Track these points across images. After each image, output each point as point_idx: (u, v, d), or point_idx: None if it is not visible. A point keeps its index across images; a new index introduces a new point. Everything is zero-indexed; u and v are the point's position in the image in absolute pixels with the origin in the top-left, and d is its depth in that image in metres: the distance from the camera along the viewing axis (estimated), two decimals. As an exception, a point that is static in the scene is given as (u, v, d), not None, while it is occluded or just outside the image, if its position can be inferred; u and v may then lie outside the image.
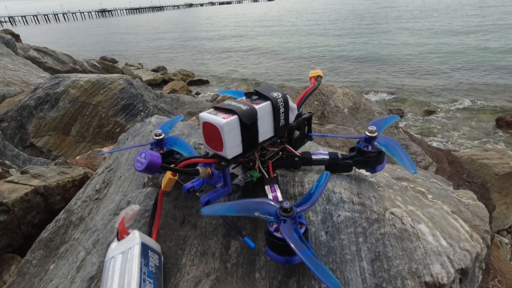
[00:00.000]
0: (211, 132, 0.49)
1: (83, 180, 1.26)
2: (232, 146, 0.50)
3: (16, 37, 8.48)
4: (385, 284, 0.40)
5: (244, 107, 0.50)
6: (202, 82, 9.36)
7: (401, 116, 6.10)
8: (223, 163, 0.50)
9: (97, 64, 7.18)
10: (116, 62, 11.80)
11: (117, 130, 3.02)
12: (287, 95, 0.56)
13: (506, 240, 2.82)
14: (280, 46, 13.18)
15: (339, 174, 0.63)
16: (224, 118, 0.48)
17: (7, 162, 1.92)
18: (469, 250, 0.42)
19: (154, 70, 10.77)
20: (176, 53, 14.29)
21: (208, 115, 0.50)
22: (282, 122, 0.56)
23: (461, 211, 0.55)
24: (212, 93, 8.12)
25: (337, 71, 9.03)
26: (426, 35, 12.30)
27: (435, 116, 5.93)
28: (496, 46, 9.41)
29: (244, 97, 0.57)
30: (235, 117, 0.48)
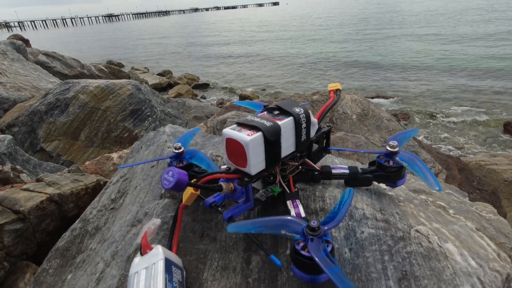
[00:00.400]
0: (235, 149, 0.50)
1: (95, 187, 1.27)
2: (256, 163, 0.50)
3: (26, 42, 8.63)
4: (414, 305, 0.40)
5: (268, 124, 0.50)
6: (207, 86, 9.42)
7: (406, 119, 6.06)
8: (246, 179, 0.51)
9: (104, 69, 7.26)
10: (123, 66, 11.92)
11: (125, 135, 3.05)
12: (309, 110, 0.57)
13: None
14: (284, 51, 13.21)
15: (358, 188, 0.63)
16: (248, 135, 0.48)
17: (18, 167, 1.95)
18: (499, 270, 0.42)
19: (160, 74, 10.86)
20: (182, 57, 14.41)
21: (232, 132, 0.50)
22: (303, 137, 0.56)
23: (485, 227, 0.55)
24: (216, 97, 8.17)
25: (343, 76, 9.03)
26: (432, 40, 12.25)
27: (441, 121, 5.88)
28: (504, 53, 9.33)
29: (265, 112, 0.57)
30: (259, 133, 0.49)
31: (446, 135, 5.42)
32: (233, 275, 0.54)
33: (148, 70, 11.63)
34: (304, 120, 0.55)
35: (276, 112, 0.56)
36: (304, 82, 8.77)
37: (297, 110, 0.55)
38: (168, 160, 0.67)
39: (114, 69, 8.70)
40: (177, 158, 0.66)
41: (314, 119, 0.59)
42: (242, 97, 7.70)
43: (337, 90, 0.69)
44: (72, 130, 2.92)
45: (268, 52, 13.25)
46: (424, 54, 10.27)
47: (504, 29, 12.25)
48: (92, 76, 6.54)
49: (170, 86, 9.30)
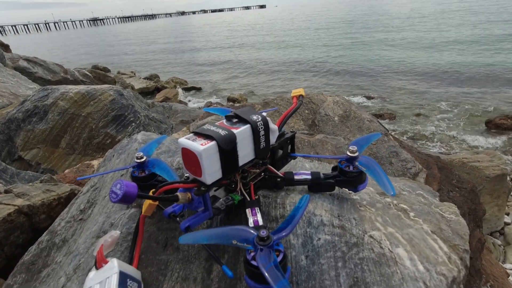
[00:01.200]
0: (190, 158, 0.49)
1: (69, 197, 1.24)
2: (211, 172, 0.49)
3: (6, 47, 8.39)
4: (363, 312, 0.40)
5: (222, 132, 0.50)
6: (196, 90, 9.37)
7: (393, 119, 6.17)
8: (203, 189, 0.50)
9: (89, 73, 7.13)
10: (109, 71, 11.75)
11: (108, 142, 2.99)
12: (267, 118, 0.57)
13: (499, 242, 2.85)
14: (270, 56, 13.27)
15: (322, 193, 0.63)
16: (202, 144, 0.48)
17: (-7, 177, 1.88)
18: (446, 274, 0.42)
19: (147, 78, 10.76)
20: (169, 61, 14.30)
21: (186, 141, 0.50)
22: (262, 144, 0.56)
23: (442, 229, 0.56)
24: (204, 100, 8.13)
25: (328, 77, 9.13)
26: (418, 41, 12.53)
27: (426, 120, 6.02)
28: (488, 56, 9.61)
29: (224, 120, 0.57)
30: (213, 143, 0.48)
31: (430, 134, 5.55)
32: (193, 286, 0.53)
33: (134, 74, 11.50)
34: (262, 128, 0.55)
35: (235, 120, 0.56)
36: (290, 85, 8.82)
37: (254, 117, 0.55)
38: (131, 169, 0.66)
39: (99, 74, 8.57)
40: (139, 167, 0.65)
41: (273, 126, 0.59)
42: (230, 100, 7.70)
43: (300, 95, 0.70)
44: (52, 137, 2.85)
45: (256, 56, 13.29)
46: (410, 57, 10.49)
47: (490, 33, 12.61)
48: (75, 81, 6.42)
49: (157, 90, 9.23)
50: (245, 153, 0.54)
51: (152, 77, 10.90)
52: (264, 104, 2.48)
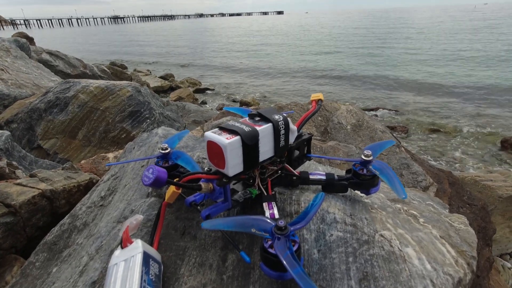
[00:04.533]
0: (215, 151, 0.53)
1: (88, 185, 1.29)
2: (234, 165, 0.53)
3: (30, 40, 8.70)
4: (371, 304, 0.43)
5: (246, 129, 0.54)
6: (209, 91, 9.49)
7: (405, 133, 6.11)
8: (225, 180, 0.54)
9: (107, 69, 7.32)
10: (126, 68, 12.02)
11: (122, 136, 3.08)
12: (288, 118, 0.60)
13: (509, 265, 2.79)
14: (285, 62, 13.34)
15: (335, 195, 0.66)
16: (227, 138, 0.52)
17: (14, 163, 1.97)
18: (452, 274, 0.44)
19: (162, 77, 10.95)
20: (185, 62, 14.52)
21: (212, 135, 0.53)
22: (282, 143, 0.60)
23: (450, 236, 0.57)
24: (218, 103, 8.22)
25: (341, 87, 9.11)
26: (433, 55, 12.40)
27: (439, 136, 5.92)
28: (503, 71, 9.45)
29: (247, 118, 0.61)
30: (237, 138, 0.52)
31: (443, 150, 5.46)
32: (208, 272, 0.57)
33: (150, 72, 11.72)
34: (282, 127, 0.58)
35: (257, 118, 0.59)
36: (305, 91, 8.84)
37: (276, 117, 0.58)
38: (155, 160, 0.70)
39: (116, 71, 8.78)
40: (163, 158, 0.69)
41: (293, 127, 0.62)
42: (243, 103, 7.76)
43: (319, 100, 0.73)
44: (70, 128, 2.95)
45: (272, 62, 13.37)
46: (427, 70, 10.39)
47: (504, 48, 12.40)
48: (94, 76, 6.60)
49: (171, 89, 9.38)
50: (266, 149, 0.58)
51: (167, 77, 11.09)
52: (278, 109, 2.52)
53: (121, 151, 2.43)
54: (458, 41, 15.05)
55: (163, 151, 0.68)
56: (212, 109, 7.71)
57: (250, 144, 0.53)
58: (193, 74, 11.60)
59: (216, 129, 0.56)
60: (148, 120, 3.24)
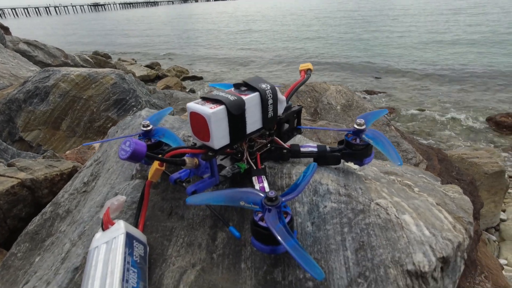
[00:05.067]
0: (199, 123, 0.49)
1: (71, 173, 1.24)
2: (219, 137, 0.49)
3: (5, 29, 8.28)
4: (369, 273, 0.41)
5: (232, 98, 0.50)
6: (197, 79, 9.31)
7: (392, 113, 6.17)
8: (210, 154, 0.50)
9: (90, 59, 7.07)
10: (109, 57, 11.64)
11: (108, 125, 2.98)
12: (276, 87, 0.56)
13: (494, 238, 2.88)
14: (272, 49, 13.15)
15: (327, 167, 0.63)
16: (211, 108, 0.48)
17: (-6, 156, 1.88)
18: (451, 239, 0.43)
19: (148, 66, 10.67)
20: (171, 50, 14.17)
21: (195, 105, 0.49)
22: (270, 113, 0.56)
23: (446, 203, 0.56)
24: (206, 91, 8.09)
25: (329, 71, 9.07)
26: (419, 37, 12.41)
27: (426, 116, 6.00)
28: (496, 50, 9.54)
29: (232, 88, 0.57)
30: (222, 107, 0.48)
31: (430, 129, 5.54)
32: (198, 251, 0.54)
33: (135, 61, 11.41)
34: (270, 96, 0.55)
35: (243, 88, 0.56)
36: (291, 76, 8.78)
37: (263, 86, 0.55)
38: (137, 137, 0.66)
39: (100, 60, 8.50)
40: (145, 136, 0.65)
41: (282, 96, 0.59)
42: (231, 90, 7.65)
43: (308, 69, 0.69)
44: (53, 119, 2.84)
45: (261, 48, 13.17)
46: (413, 53, 10.41)
47: (495, 30, 12.49)
48: (76, 66, 6.37)
49: (158, 78, 9.17)
50: (253, 120, 0.54)
51: (153, 65, 10.82)
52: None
53: (107, 140, 2.36)
54: (443, 22, 15.08)
55: (145, 128, 0.64)
56: (200, 96, 7.57)
57: (236, 114, 0.49)
58: (180, 63, 11.34)
59: (199, 99, 0.52)
60: (135, 108, 3.14)
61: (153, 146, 0.64)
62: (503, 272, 1.48)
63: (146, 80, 8.98)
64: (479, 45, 10.40)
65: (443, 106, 6.34)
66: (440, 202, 0.54)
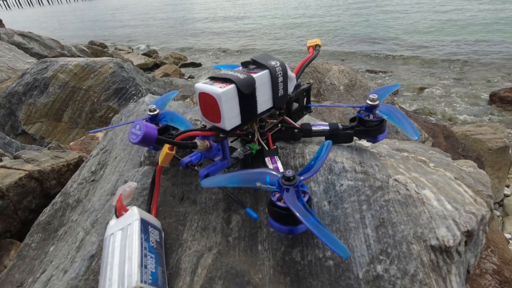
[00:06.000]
0: (208, 103, 0.47)
1: (78, 164, 1.23)
2: (230, 117, 0.48)
3: (-1, 22, 8.14)
4: (391, 250, 0.40)
5: (241, 76, 0.48)
6: (195, 65, 9.18)
7: (396, 94, 6.08)
8: (222, 135, 0.49)
9: (86, 49, 6.96)
10: (106, 47, 11.46)
11: (110, 115, 2.96)
12: (285, 64, 0.54)
13: (498, 213, 2.90)
14: (270, 24, 12.88)
15: (339, 145, 0.62)
16: (221, 87, 0.46)
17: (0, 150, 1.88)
18: (475, 212, 0.42)
19: (146, 54, 10.51)
20: (168, 37, 13.91)
21: (204, 85, 0.48)
22: (281, 92, 0.54)
23: (464, 177, 0.55)
24: (205, 77, 7.99)
25: (330, 50, 8.90)
26: (422, 17, 12.08)
27: (429, 94, 5.92)
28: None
29: (241, 67, 0.54)
30: (232, 86, 0.46)
31: (433, 107, 5.48)
32: (213, 235, 0.53)
33: (132, 50, 11.24)
34: (280, 74, 0.53)
35: (252, 66, 0.53)
36: (297, 53, 8.63)
37: (272, 63, 0.52)
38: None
39: (96, 50, 8.39)
40: (152, 120, 0.63)
41: (291, 74, 0.57)
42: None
43: (316, 45, 0.67)
44: (54, 111, 2.82)
45: (259, 27, 12.89)
46: (412, 26, 10.16)
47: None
48: (73, 57, 6.29)
49: (156, 66, 9.04)
50: (264, 100, 0.52)
51: (151, 53, 10.65)
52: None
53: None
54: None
55: (151, 113, 0.62)
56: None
57: (246, 93, 0.47)
58: (177, 50, 11.16)
59: (208, 79, 0.50)
60: (135, 97, 3.11)
61: (161, 131, 0.63)
62: (509, 246, 1.49)
63: (144, 68, 8.86)
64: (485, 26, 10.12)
65: (445, 84, 6.24)
66: (458, 177, 0.53)
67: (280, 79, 0.53)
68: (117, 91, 2.99)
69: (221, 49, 10.56)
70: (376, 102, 0.57)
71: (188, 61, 9.54)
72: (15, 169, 1.05)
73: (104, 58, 3.20)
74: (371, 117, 0.57)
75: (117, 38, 14.61)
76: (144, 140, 0.40)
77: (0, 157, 1.87)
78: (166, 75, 7.58)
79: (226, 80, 0.47)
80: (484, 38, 8.36)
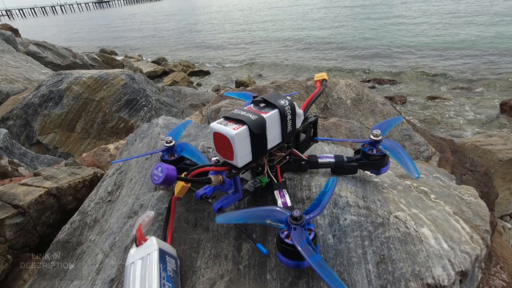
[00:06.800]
0: (222, 142, 0.51)
1: (93, 180, 1.29)
2: (243, 155, 0.52)
3: (15, 31, 8.41)
4: (390, 286, 0.43)
5: (253, 117, 0.52)
6: (204, 73, 9.31)
7: (404, 103, 6.06)
8: (234, 171, 0.53)
9: (97, 57, 7.15)
10: (116, 54, 11.74)
11: (121, 126, 3.05)
12: (294, 102, 0.58)
13: (509, 225, 2.86)
14: (279, 35, 13.01)
15: (344, 176, 0.65)
16: (234, 128, 0.50)
17: (15, 160, 1.96)
18: (469, 252, 0.44)
19: (155, 62, 10.71)
20: (176, 44, 14.16)
21: (219, 126, 0.52)
22: (289, 128, 0.58)
23: (463, 211, 0.57)
24: (213, 84, 8.10)
25: (337, 60, 8.93)
26: (428, 18, 12.06)
27: (438, 103, 5.86)
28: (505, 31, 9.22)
29: (252, 105, 0.59)
30: (245, 127, 0.50)
31: (442, 117, 5.42)
32: (224, 263, 0.57)
33: (142, 58, 11.46)
34: (289, 112, 0.57)
35: (262, 104, 0.58)
36: (301, 66, 8.69)
37: (282, 102, 0.57)
38: (160, 153, 0.69)
39: (107, 58, 8.57)
40: (169, 151, 0.68)
41: (299, 110, 0.61)
42: (238, 83, 7.65)
43: (323, 80, 0.71)
44: (67, 122, 2.92)
45: (267, 37, 13.04)
46: (419, 36, 10.15)
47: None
48: (85, 65, 6.46)
49: (165, 73, 9.19)
50: (273, 136, 0.56)
51: (160, 61, 10.85)
52: (276, 87, 2.47)
53: (121, 141, 2.41)
54: (450, 2, 14.59)
55: (168, 144, 0.67)
56: (207, 90, 7.61)
57: (258, 133, 0.52)
58: (186, 57, 11.34)
59: (222, 119, 0.54)
60: (145, 108, 3.20)
61: (177, 161, 0.67)
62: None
63: (153, 76, 9.03)
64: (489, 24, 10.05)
65: (455, 93, 6.18)
66: (457, 211, 0.55)
67: (289, 117, 0.57)
68: (128, 102, 3.07)
69: (228, 60, 10.68)
70: (379, 138, 0.60)
71: (197, 69, 9.68)
72: (36, 186, 1.11)
73: (117, 70, 3.30)
74: (374, 151, 0.61)
75: (127, 45, 14.92)
76: (165, 182, 0.44)
77: (16, 168, 1.94)
78: (175, 82, 7.71)
79: (239, 121, 0.52)
80: (494, 48, 8.29)
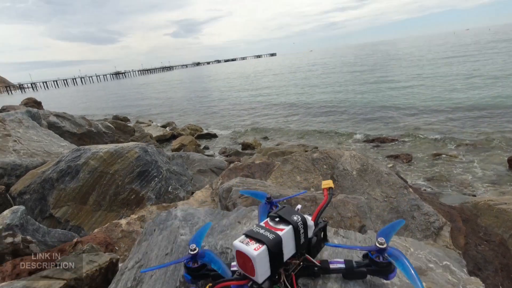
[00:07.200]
0: (244, 259, 0.58)
1: (108, 267, 1.32)
2: (263, 272, 0.58)
3: (38, 104, 9.13)
4: None
5: (271, 236, 0.59)
6: (211, 136, 9.70)
7: (409, 161, 6.07)
8: (255, 287, 0.58)
9: (110, 125, 7.59)
10: (128, 120, 12.42)
11: (132, 197, 3.12)
12: (305, 216, 0.66)
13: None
14: (281, 100, 13.80)
15: (355, 280, 0.69)
16: (255, 249, 0.57)
17: (28, 237, 2.01)
18: None
19: (164, 126, 11.27)
20: (185, 109, 15.03)
21: (241, 245, 0.59)
22: (302, 240, 0.65)
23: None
24: (220, 147, 8.37)
25: (341, 122, 9.31)
26: (431, 78, 12.79)
27: (444, 161, 5.84)
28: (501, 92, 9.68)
29: (268, 219, 0.66)
30: (264, 248, 0.58)
31: (450, 175, 5.36)
32: None
33: (152, 122, 12.09)
34: (301, 226, 0.64)
35: (277, 219, 0.65)
36: (304, 129, 9.03)
37: (295, 218, 0.65)
38: (185, 261, 0.75)
39: (119, 124, 9.08)
40: (193, 259, 0.74)
41: (311, 223, 0.68)
42: (245, 145, 7.90)
43: (330, 188, 0.79)
44: (81, 195, 3.01)
45: (271, 101, 13.82)
46: (422, 95, 10.68)
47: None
48: (99, 133, 6.84)
49: (173, 137, 9.59)
50: (289, 249, 0.63)
51: (169, 125, 11.43)
52: (283, 161, 2.59)
53: (133, 215, 2.46)
54: (444, 65, 15.65)
55: (192, 252, 0.73)
56: (215, 153, 7.85)
57: (276, 252, 0.58)
58: (194, 121, 11.94)
59: (243, 236, 0.61)
60: (156, 179, 3.31)
61: (199, 268, 0.73)
62: None
63: (162, 140, 9.43)
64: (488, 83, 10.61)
65: (461, 149, 6.22)
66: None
67: (301, 230, 0.64)
68: (140, 174, 3.20)
69: (234, 123, 11.19)
70: (384, 246, 0.66)
71: (204, 132, 10.10)
72: (56, 278, 1.14)
73: (131, 144, 3.51)
74: (381, 258, 0.66)
75: (139, 111, 15.86)
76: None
77: (28, 244, 1.99)
78: (183, 145, 7.99)
79: (258, 241, 0.59)
80: (496, 103, 8.59)
